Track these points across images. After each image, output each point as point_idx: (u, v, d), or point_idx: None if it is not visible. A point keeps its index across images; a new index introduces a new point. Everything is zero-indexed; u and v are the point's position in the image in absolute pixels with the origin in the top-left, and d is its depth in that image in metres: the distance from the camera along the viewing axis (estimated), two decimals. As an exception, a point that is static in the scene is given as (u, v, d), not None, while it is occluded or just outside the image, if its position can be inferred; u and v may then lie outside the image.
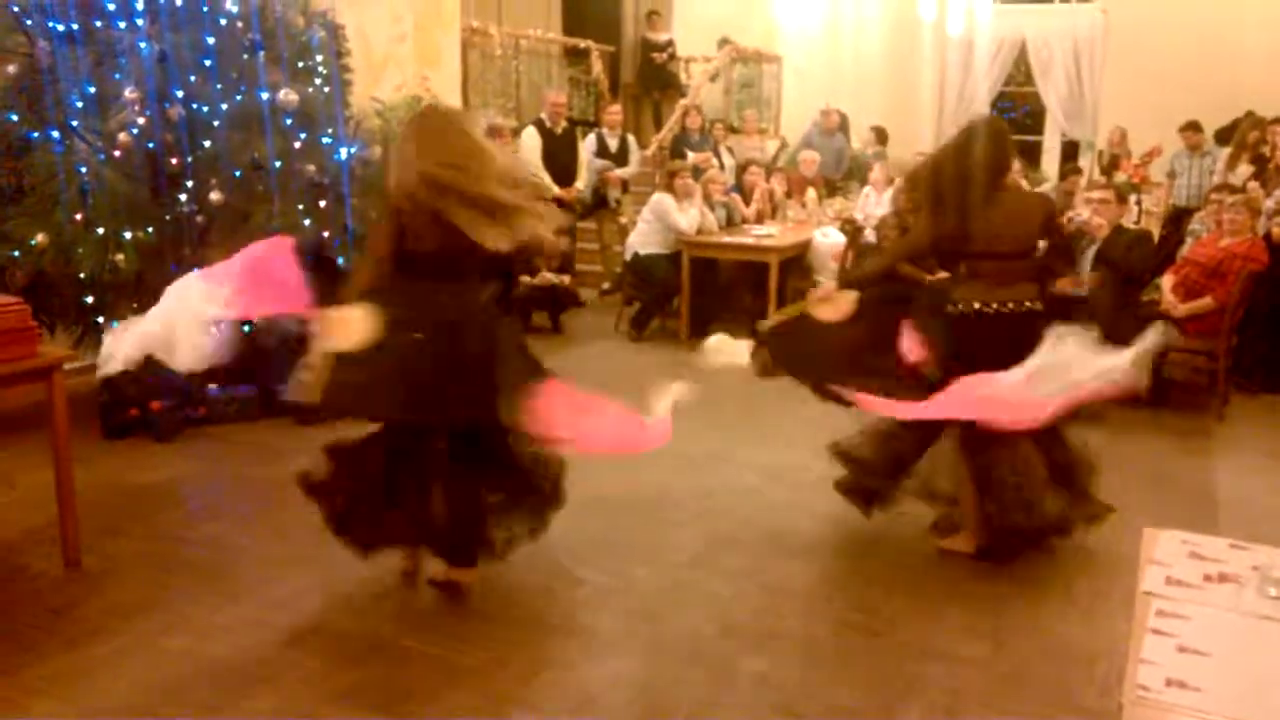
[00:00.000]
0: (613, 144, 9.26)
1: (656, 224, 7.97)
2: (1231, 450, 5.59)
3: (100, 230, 4.93)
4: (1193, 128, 9.33)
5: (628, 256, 8.19)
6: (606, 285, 9.47)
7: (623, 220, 9.16)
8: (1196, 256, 6.51)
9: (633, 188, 9.66)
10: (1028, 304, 3.87)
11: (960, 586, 3.87)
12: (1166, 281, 6.48)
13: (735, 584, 3.88)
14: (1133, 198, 9.30)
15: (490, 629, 3.48)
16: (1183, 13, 11.17)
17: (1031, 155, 12.24)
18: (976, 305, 3.86)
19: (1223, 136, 9.48)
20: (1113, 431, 5.78)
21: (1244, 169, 8.42)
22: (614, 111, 9.52)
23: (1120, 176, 9.91)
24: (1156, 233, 8.53)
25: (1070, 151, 12.33)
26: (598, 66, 11.50)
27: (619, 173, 9.20)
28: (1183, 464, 5.32)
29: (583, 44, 11.44)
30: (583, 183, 8.80)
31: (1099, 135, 11.57)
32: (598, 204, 9.27)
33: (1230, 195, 6.76)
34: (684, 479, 4.90)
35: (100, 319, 5.22)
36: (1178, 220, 8.96)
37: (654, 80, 12.22)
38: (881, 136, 11.44)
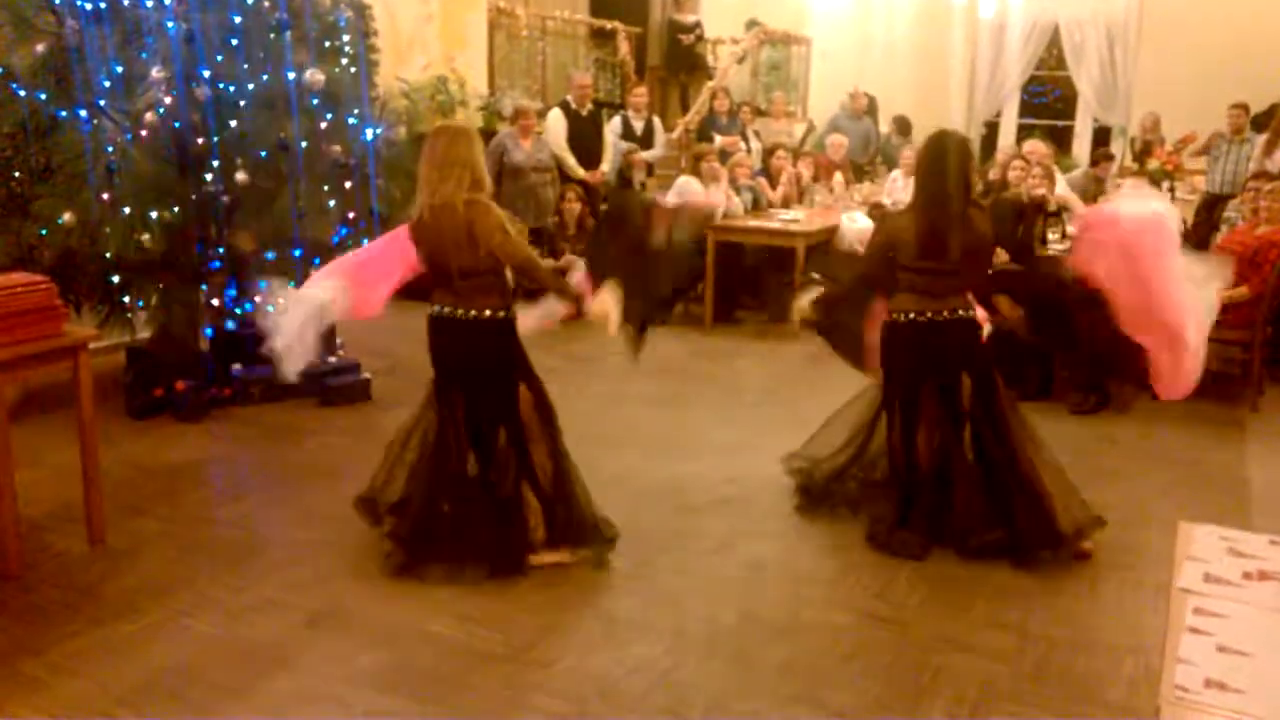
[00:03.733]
0: (638, 126, 9.20)
1: (682, 207, 7.90)
2: (1266, 441, 5.50)
3: (127, 210, 4.93)
4: (1240, 109, 9.11)
5: (653, 240, 8.13)
6: (631, 269, 9.42)
7: (648, 203, 9.10)
8: (1232, 245, 6.39)
9: (658, 170, 9.60)
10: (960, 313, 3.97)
11: (985, 578, 3.82)
12: (1200, 270, 6.36)
13: (758, 573, 3.86)
14: (1165, 185, 9.17)
15: (512, 614, 3.47)
16: (1219, -4, 10.97)
17: (1063, 140, 12.09)
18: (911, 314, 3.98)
19: (1259, 123, 9.29)
20: (1144, 422, 5.71)
21: (1280, 156, 8.26)
22: (640, 94, 9.45)
23: (1153, 163, 9.75)
24: (1190, 220, 8.39)
25: (1102, 137, 12.15)
26: (624, 48, 11.41)
27: (644, 155, 9.13)
28: (1215, 455, 5.24)
29: (609, 25, 11.36)
30: (608, 165, 8.75)
31: (1132, 121, 11.39)
32: (622, 187, 9.22)
33: (1267, 183, 6.63)
34: (709, 467, 4.87)
35: (126, 298, 5.24)
36: (1211, 207, 8.81)
37: (681, 62, 12.11)
38: (904, 127, 11.29)
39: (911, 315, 3.96)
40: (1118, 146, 11.41)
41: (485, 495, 3.75)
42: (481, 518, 3.72)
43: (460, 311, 3.67)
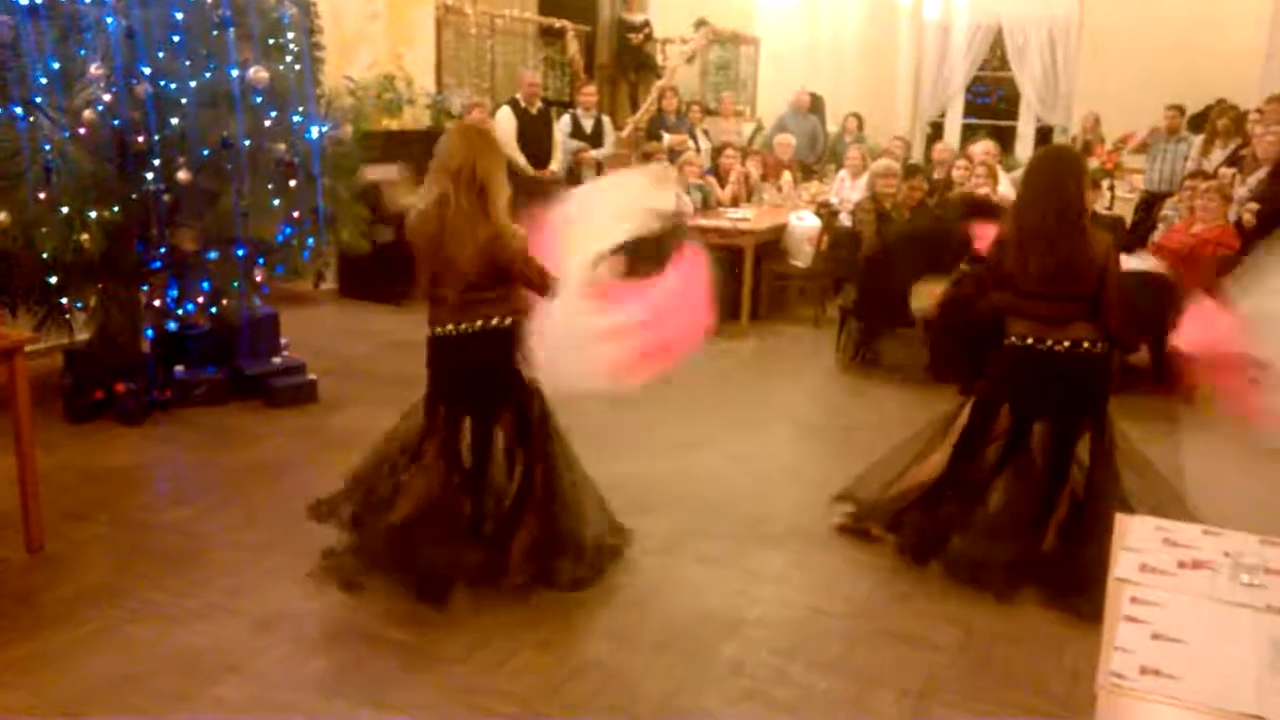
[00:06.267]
0: (588, 125, 9.19)
1: (632, 206, 7.90)
2: (1199, 433, 5.61)
3: (64, 209, 4.82)
4: (1175, 110, 9.34)
5: (603, 239, 8.12)
6: (582, 267, 9.39)
7: (597, 202, 9.08)
8: (1169, 242, 6.55)
9: (608, 169, 9.59)
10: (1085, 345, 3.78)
11: (932, 572, 3.87)
12: (1139, 267, 6.50)
13: (708, 570, 3.87)
14: (1105, 183, 9.36)
15: (461, 616, 3.45)
16: (1158, 1, 11.20)
17: (1006, 140, 12.27)
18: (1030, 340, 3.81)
19: (1196, 124, 9.52)
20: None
21: (1217, 155, 8.47)
22: (589, 92, 9.44)
23: (1093, 162, 9.94)
24: (1128, 219, 8.57)
25: (1044, 137, 12.35)
26: (573, 47, 11.39)
27: (594, 154, 9.13)
28: (1150, 447, 5.33)
29: (558, 24, 11.33)
30: (557, 164, 8.73)
31: (1073, 121, 11.60)
32: (571, 185, 9.20)
33: (1203, 182, 6.80)
34: (657, 466, 4.88)
35: (64, 300, 5.13)
36: (1149, 205, 9.00)
37: (630, 61, 12.11)
38: (859, 124, 11.41)
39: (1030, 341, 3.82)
40: (1059, 146, 11.61)
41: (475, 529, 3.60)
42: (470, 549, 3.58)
43: (465, 326, 3.48)
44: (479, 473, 3.61)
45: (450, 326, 3.50)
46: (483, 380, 3.57)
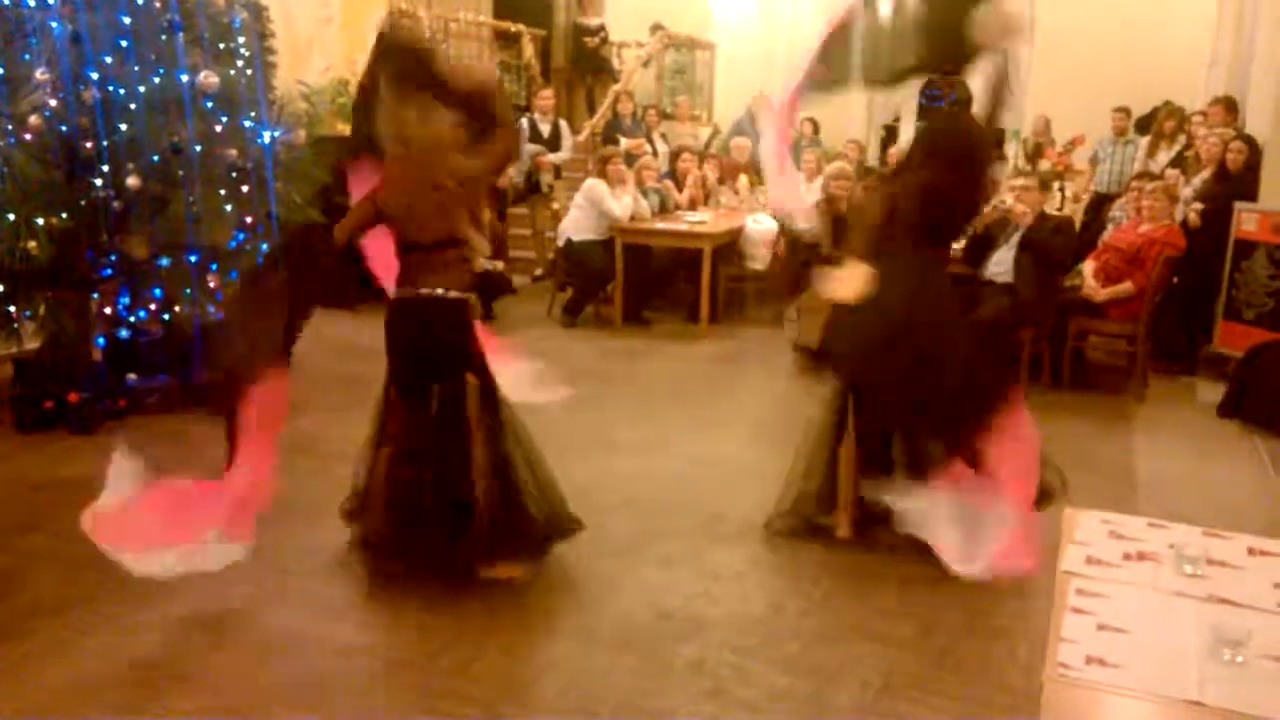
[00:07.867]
0: (545, 129, 9.19)
1: (590, 210, 7.93)
2: (1151, 431, 5.73)
3: (11, 216, 4.76)
4: (1122, 112, 9.52)
5: (561, 243, 8.15)
6: (539, 271, 9.41)
7: (555, 206, 9.10)
8: (1117, 242, 6.67)
9: (565, 173, 9.60)
10: None
11: (890, 568, 3.91)
12: (1088, 267, 6.62)
13: (667, 570, 3.89)
14: (1056, 185, 9.50)
15: (420, 620, 3.44)
16: (1107, 4, 11.41)
17: (959, 142, 12.41)
18: None
19: (1142, 125, 9.70)
20: (1033, 413, 5.90)
21: (1163, 156, 8.63)
22: (546, 96, 9.45)
23: (1044, 164, 10.09)
24: (1079, 219, 8.71)
25: (995, 139, 12.50)
26: (529, 51, 11.38)
27: (551, 158, 9.14)
28: (1103, 445, 5.45)
29: (514, 28, 11.32)
30: (514, 168, 8.72)
31: (1024, 123, 11.76)
32: (530, 189, 9.20)
33: (1150, 182, 6.93)
34: (616, 466, 4.89)
35: (12, 308, 5.06)
36: (1099, 206, 9.15)
37: (586, 65, 12.13)
38: (814, 128, 11.51)
39: None
40: (1010, 148, 11.76)
41: (438, 501, 3.58)
42: (433, 525, 3.58)
43: (425, 291, 3.54)
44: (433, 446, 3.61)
45: (406, 289, 3.54)
46: (429, 351, 3.60)
